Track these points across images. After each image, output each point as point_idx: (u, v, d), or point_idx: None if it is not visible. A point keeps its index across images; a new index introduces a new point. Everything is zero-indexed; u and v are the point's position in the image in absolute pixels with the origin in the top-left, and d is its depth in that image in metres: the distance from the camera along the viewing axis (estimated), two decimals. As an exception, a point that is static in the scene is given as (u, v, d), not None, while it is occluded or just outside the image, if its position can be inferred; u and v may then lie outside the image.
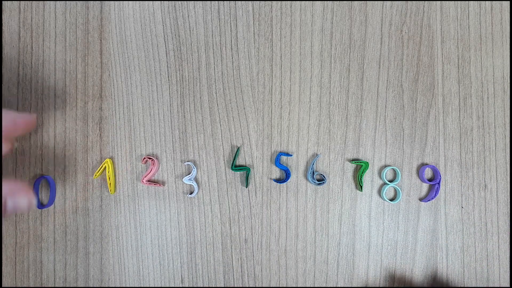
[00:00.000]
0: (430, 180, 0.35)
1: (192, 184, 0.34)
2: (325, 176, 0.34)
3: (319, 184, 0.34)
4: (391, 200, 0.35)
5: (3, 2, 0.35)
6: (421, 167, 0.35)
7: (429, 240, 0.35)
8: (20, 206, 0.27)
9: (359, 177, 0.34)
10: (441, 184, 0.34)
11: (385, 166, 0.35)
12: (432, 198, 0.34)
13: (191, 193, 0.34)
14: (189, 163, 0.34)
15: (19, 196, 0.26)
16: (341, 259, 0.35)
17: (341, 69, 0.35)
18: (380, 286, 0.34)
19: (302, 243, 0.35)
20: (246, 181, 0.34)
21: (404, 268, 0.34)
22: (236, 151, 0.34)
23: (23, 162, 0.35)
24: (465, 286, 0.34)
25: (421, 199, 0.35)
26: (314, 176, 0.34)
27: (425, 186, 0.35)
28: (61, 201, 0.35)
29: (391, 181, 0.35)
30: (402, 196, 0.35)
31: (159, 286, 0.35)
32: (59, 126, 0.35)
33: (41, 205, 0.34)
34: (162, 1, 0.35)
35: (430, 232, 0.35)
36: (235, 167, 0.34)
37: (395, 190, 0.35)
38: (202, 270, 0.35)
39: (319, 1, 0.35)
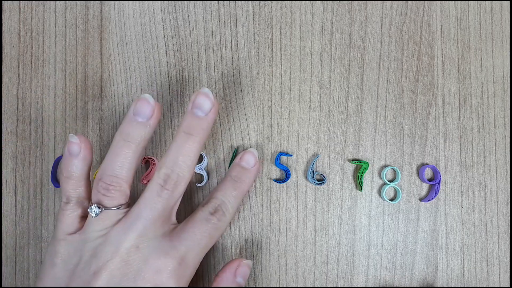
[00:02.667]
0: (430, 180, 0.35)
1: (202, 173, 0.34)
2: (325, 176, 0.34)
3: (319, 184, 0.34)
4: (391, 200, 0.35)
5: (3, 2, 0.35)
6: (421, 167, 0.35)
7: (429, 240, 0.35)
8: (251, 162, 0.31)
9: (359, 177, 0.34)
10: (441, 184, 0.34)
11: (385, 166, 0.35)
12: (432, 198, 0.34)
13: (200, 183, 0.34)
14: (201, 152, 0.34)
15: (248, 157, 0.31)
16: (341, 259, 0.35)
17: (341, 69, 0.35)
18: (380, 286, 0.34)
19: (302, 243, 0.35)
20: (246, 181, 0.34)
21: (404, 268, 0.34)
22: (234, 152, 0.34)
23: (23, 162, 0.35)
24: (465, 286, 0.34)
25: (421, 199, 0.35)
26: (314, 176, 0.34)
27: (425, 186, 0.35)
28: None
29: (391, 181, 0.35)
30: (402, 196, 0.35)
31: (159, 286, 0.35)
32: (59, 126, 0.35)
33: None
34: (162, 1, 0.35)
35: (430, 232, 0.35)
36: (235, 167, 0.34)
37: (395, 190, 0.35)
38: (202, 270, 0.35)
39: (319, 1, 0.35)
